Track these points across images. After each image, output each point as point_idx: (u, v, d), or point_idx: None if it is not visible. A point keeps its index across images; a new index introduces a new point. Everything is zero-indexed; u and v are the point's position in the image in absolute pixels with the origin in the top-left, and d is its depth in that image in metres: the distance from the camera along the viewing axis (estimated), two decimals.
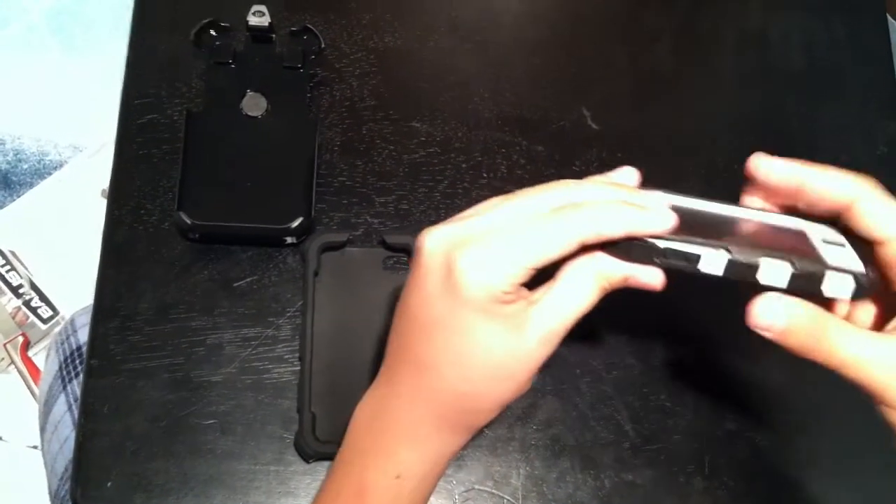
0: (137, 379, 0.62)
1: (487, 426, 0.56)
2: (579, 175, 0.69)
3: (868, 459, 0.65)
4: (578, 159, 0.72)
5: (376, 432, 0.50)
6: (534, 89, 0.74)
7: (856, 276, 0.45)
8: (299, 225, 0.64)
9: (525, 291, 0.46)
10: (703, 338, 0.67)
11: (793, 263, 0.44)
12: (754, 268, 0.45)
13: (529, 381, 0.47)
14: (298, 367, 0.63)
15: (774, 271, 0.45)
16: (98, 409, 0.62)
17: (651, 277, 0.47)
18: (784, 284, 0.45)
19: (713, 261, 0.45)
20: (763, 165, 0.49)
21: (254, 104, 0.67)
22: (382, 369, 0.51)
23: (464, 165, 0.71)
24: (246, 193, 0.65)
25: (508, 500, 0.62)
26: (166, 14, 0.73)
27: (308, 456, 0.61)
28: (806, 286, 0.45)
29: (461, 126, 0.72)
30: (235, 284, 0.66)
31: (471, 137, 0.72)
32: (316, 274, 0.65)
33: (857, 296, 0.45)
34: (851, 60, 0.78)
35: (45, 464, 0.79)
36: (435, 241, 0.45)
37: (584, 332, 0.66)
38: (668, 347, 0.65)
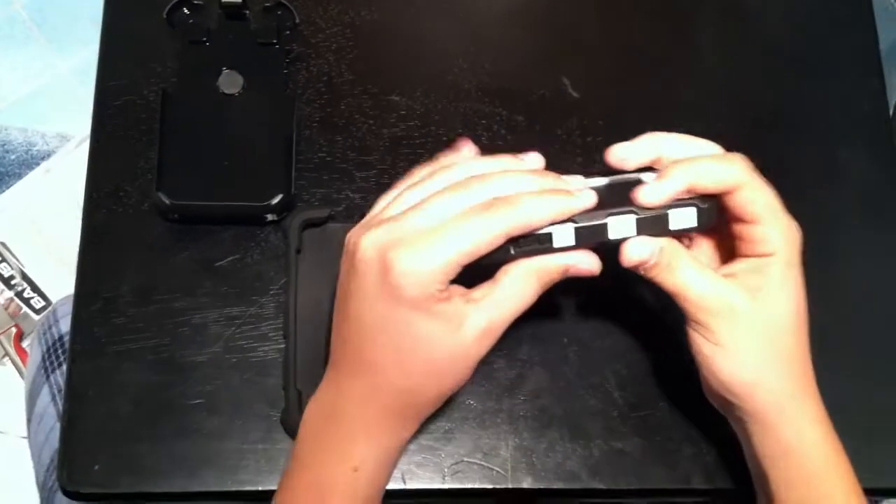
0: (122, 361, 0.62)
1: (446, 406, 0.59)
2: (563, 144, 0.70)
3: (857, 421, 0.65)
4: (559, 128, 0.71)
5: (331, 431, 0.52)
6: (513, 59, 0.73)
7: (696, 205, 0.50)
8: (279, 201, 0.64)
9: (460, 289, 0.49)
10: None
11: (635, 212, 0.49)
12: (602, 227, 0.49)
13: (469, 374, 0.50)
14: (283, 345, 0.63)
15: (621, 225, 0.49)
16: (83, 392, 0.62)
17: (589, 264, 0.50)
18: (633, 233, 0.50)
19: (562, 235, 0.49)
20: (618, 153, 0.52)
21: (230, 82, 0.67)
22: (329, 371, 0.53)
23: (444, 138, 0.70)
24: (225, 172, 0.64)
25: (498, 471, 0.62)
26: None
27: (295, 433, 0.60)
28: (654, 228, 0.50)
29: (441, 98, 0.71)
30: (217, 264, 0.65)
31: (451, 109, 0.71)
32: (298, 251, 0.64)
33: (701, 222, 0.50)
34: (831, 27, 0.77)
35: (32, 455, 0.79)
36: (368, 245, 0.47)
37: (571, 301, 0.66)
38: (654, 314, 0.65)
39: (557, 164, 0.68)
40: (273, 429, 0.61)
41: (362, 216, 0.64)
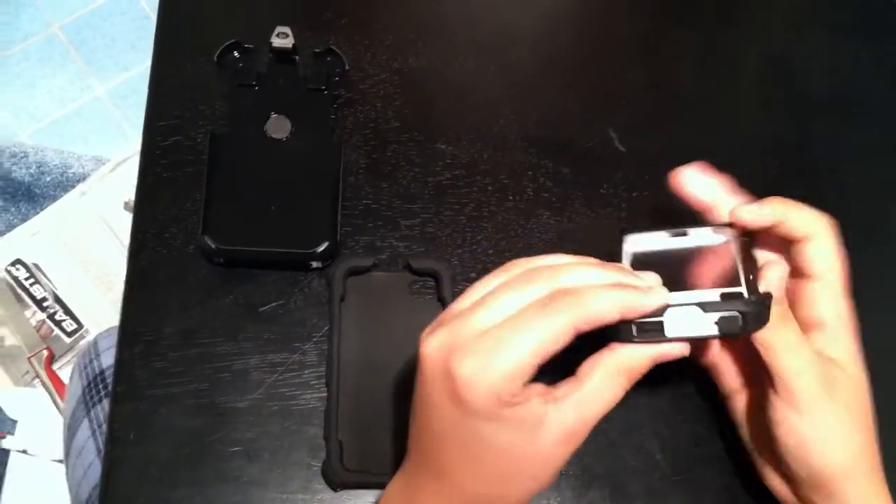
0: (162, 405, 0.62)
1: None
2: (607, 198, 0.69)
3: None
4: (606, 182, 0.71)
5: None
6: (559, 111, 0.73)
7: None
8: (325, 249, 0.64)
9: (539, 387, 0.45)
10: None
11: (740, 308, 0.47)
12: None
13: (552, 478, 0.47)
14: (325, 394, 0.62)
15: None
16: (124, 435, 0.61)
17: (678, 350, 0.48)
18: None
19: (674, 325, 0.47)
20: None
21: (278, 126, 0.67)
22: (406, 462, 0.50)
23: (490, 188, 0.70)
24: (271, 217, 0.64)
25: None
26: (189, 35, 0.72)
27: (335, 484, 0.60)
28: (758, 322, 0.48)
29: (486, 148, 0.71)
30: (261, 309, 0.65)
31: (496, 159, 0.71)
32: (342, 299, 0.64)
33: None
34: (876, 82, 0.77)
35: (69, 489, 0.78)
36: (432, 350, 0.45)
37: None
38: (699, 373, 0.64)
39: (602, 218, 0.68)
40: (313, 479, 0.61)
41: (406, 265, 0.65)
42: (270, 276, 0.66)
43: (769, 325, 0.48)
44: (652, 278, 0.48)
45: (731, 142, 0.74)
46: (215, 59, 0.68)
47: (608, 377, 0.46)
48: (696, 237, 0.52)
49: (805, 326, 0.52)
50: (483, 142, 0.71)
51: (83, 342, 1.43)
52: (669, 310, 0.46)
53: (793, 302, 0.53)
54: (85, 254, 1.55)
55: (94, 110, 1.71)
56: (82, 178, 1.62)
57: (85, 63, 1.76)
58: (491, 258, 0.68)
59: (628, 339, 0.47)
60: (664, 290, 0.47)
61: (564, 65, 0.75)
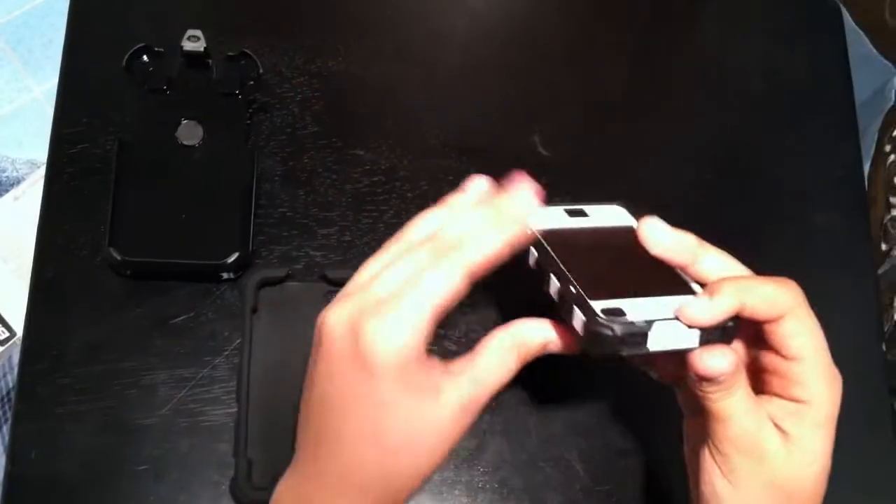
0: (66, 423, 0.60)
1: None
2: None
3: None
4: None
5: None
6: (482, 115, 0.72)
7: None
8: (235, 260, 0.62)
9: (436, 361, 0.45)
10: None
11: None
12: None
13: (446, 454, 0.46)
14: (236, 409, 0.61)
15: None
16: (26, 454, 0.59)
17: (568, 344, 0.48)
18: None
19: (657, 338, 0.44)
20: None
21: (189, 133, 0.65)
22: (296, 465, 0.49)
23: (409, 195, 0.68)
24: (181, 227, 0.62)
25: None
26: (98, 40, 0.70)
27: (244, 503, 0.58)
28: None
29: (407, 154, 0.69)
30: (171, 322, 0.63)
31: (417, 165, 0.69)
32: (254, 311, 0.62)
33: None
34: (810, 84, 0.76)
35: None
36: (335, 321, 0.44)
37: (534, 370, 0.64)
38: (620, 385, 0.63)
39: None
40: (222, 497, 0.59)
41: (322, 276, 0.63)
42: (182, 288, 0.64)
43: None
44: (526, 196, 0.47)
45: (664, 146, 0.73)
46: (124, 63, 0.66)
47: (501, 353, 0.46)
48: (595, 217, 0.51)
49: (784, 402, 0.48)
50: (403, 147, 0.70)
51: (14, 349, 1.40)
52: (656, 323, 0.44)
53: (770, 379, 0.48)
54: (18, 260, 1.51)
55: (30, 112, 1.68)
56: (16, 182, 1.58)
57: (22, 64, 1.72)
58: None
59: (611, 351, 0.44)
60: (530, 198, 0.47)
61: (489, 69, 0.74)
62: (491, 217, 0.46)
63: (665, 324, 0.44)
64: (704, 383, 0.45)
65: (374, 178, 0.68)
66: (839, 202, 0.72)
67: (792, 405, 0.46)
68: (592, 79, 0.75)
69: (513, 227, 0.45)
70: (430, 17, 0.75)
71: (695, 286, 0.47)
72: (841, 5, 0.80)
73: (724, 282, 0.45)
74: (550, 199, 0.68)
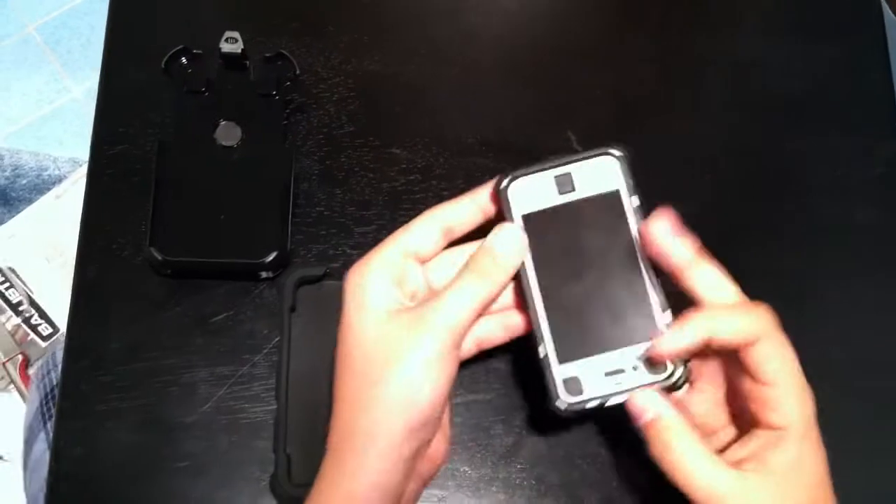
0: (108, 420, 0.61)
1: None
2: None
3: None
4: None
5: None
6: (517, 114, 0.72)
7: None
8: (274, 259, 0.62)
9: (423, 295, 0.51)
10: None
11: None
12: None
13: (446, 376, 0.47)
14: (274, 406, 0.61)
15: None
16: (69, 451, 0.60)
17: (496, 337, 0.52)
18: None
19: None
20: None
21: (227, 133, 0.65)
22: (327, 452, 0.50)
23: (445, 193, 0.68)
24: (220, 227, 0.63)
25: None
26: (137, 42, 0.71)
27: (283, 499, 0.59)
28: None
29: (442, 152, 0.70)
30: (210, 321, 0.64)
31: (452, 163, 0.69)
32: (293, 309, 0.63)
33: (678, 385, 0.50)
34: (849, 80, 0.75)
35: (27, 502, 0.77)
36: (347, 275, 0.50)
37: None
38: None
39: None
40: (261, 494, 0.60)
41: None
42: (220, 286, 0.65)
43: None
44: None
45: (694, 145, 0.72)
46: (163, 65, 0.67)
47: (478, 271, 0.49)
48: (582, 187, 0.50)
49: (764, 433, 0.48)
50: (439, 146, 0.70)
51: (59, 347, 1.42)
52: (611, 397, 0.48)
53: (750, 406, 0.48)
54: (61, 257, 1.53)
55: (70, 112, 1.70)
56: (58, 180, 1.60)
57: (61, 64, 1.74)
58: None
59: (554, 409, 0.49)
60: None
61: (523, 67, 0.74)
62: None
63: (620, 395, 0.48)
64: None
65: (411, 177, 0.69)
66: (881, 200, 0.71)
67: (772, 434, 0.47)
68: (627, 77, 0.74)
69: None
70: (463, 16, 0.75)
71: (659, 312, 0.49)
72: None
73: (690, 315, 0.46)
74: None
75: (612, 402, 0.48)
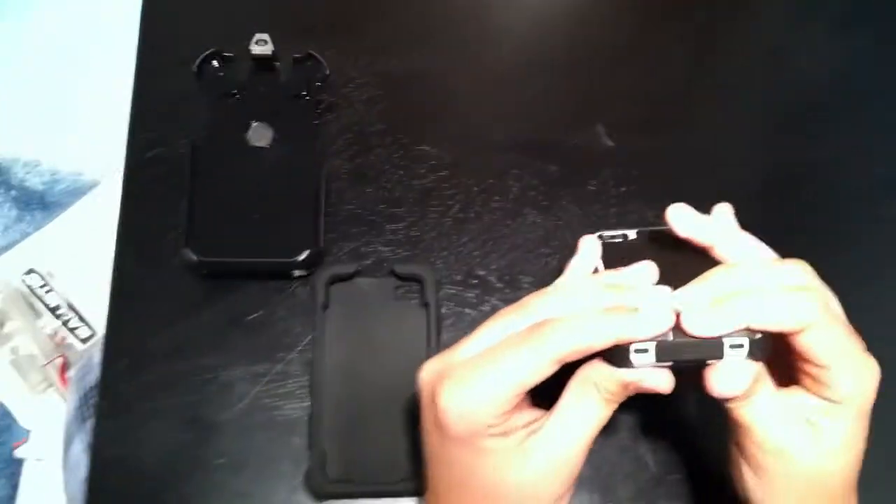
0: (147, 419, 0.62)
1: None
2: (596, 194, 0.68)
3: None
4: (594, 178, 0.70)
5: None
6: (545, 108, 0.72)
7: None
8: (307, 257, 0.63)
9: (525, 416, 0.45)
10: None
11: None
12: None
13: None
14: (309, 403, 0.62)
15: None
16: (109, 450, 0.61)
17: (658, 381, 0.45)
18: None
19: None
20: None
21: (259, 134, 0.66)
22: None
23: (475, 189, 0.69)
24: (253, 226, 0.64)
25: None
26: (170, 46, 0.72)
27: (318, 495, 0.60)
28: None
29: (471, 149, 0.70)
30: (245, 319, 0.65)
31: (481, 160, 0.70)
32: (325, 307, 0.64)
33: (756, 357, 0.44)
34: (876, 74, 0.75)
35: (67, 502, 0.78)
36: (424, 376, 0.46)
37: None
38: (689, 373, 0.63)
39: (591, 214, 0.67)
40: (297, 490, 0.60)
41: (391, 271, 0.64)
42: (254, 285, 0.65)
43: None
44: (657, 295, 0.44)
45: (724, 138, 0.72)
46: (195, 69, 0.68)
47: (584, 395, 0.45)
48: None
49: (814, 398, 0.46)
50: (467, 143, 0.70)
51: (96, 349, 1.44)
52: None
53: (800, 377, 0.46)
54: (98, 260, 1.55)
55: (107, 116, 1.71)
56: (94, 184, 1.63)
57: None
58: (477, 259, 0.67)
59: (624, 364, 0.44)
60: (666, 312, 0.43)
61: (551, 63, 0.74)
62: (611, 310, 0.43)
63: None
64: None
65: (440, 174, 0.69)
66: None
67: (825, 405, 0.45)
68: (655, 70, 0.74)
69: (620, 332, 0.42)
70: (490, 13, 0.76)
71: None
72: None
73: (731, 297, 0.43)
74: (620, 187, 0.69)
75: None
